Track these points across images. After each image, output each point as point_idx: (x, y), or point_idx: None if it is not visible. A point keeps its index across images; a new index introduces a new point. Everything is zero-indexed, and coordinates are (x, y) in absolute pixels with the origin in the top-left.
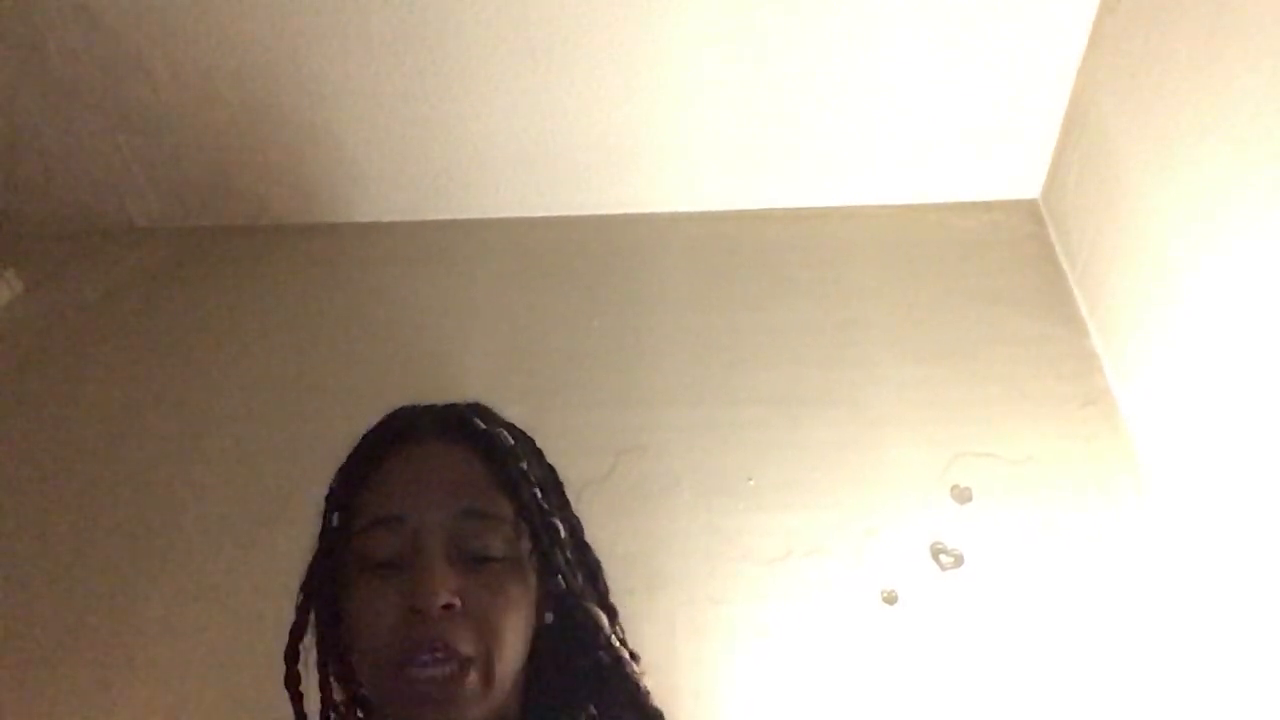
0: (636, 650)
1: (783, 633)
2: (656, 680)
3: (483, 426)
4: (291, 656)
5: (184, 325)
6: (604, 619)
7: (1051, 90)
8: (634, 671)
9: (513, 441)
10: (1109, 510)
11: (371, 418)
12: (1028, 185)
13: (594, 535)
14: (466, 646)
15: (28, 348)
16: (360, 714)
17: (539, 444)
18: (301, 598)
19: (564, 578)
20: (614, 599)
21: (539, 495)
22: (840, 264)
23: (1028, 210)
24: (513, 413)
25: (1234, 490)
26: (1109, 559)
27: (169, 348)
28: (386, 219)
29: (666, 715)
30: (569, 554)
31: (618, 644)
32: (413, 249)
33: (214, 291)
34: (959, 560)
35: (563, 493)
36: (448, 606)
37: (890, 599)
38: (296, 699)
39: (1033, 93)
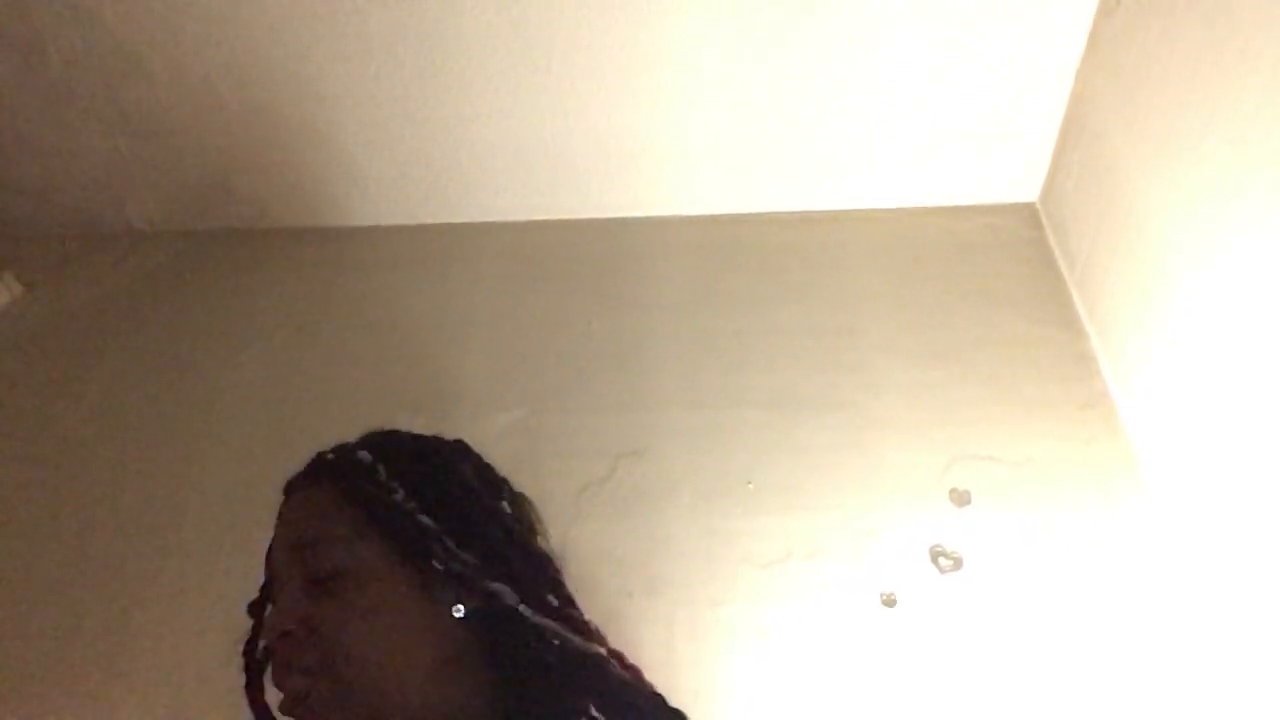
0: (627, 645)
1: (782, 635)
2: (656, 681)
3: (330, 457)
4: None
5: (184, 328)
6: (509, 594)
7: (1050, 93)
8: (550, 626)
9: (370, 459)
10: (1108, 513)
11: (368, 422)
12: (1026, 188)
13: (593, 538)
14: (310, 663)
15: (27, 350)
16: None
17: (538, 447)
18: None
19: (439, 561)
20: (613, 602)
21: (400, 498)
22: (839, 267)
23: (1026, 213)
24: (512, 417)
25: (1234, 492)
26: (1108, 562)
27: (169, 351)
28: (385, 223)
29: None
30: (446, 542)
31: (535, 615)
32: (411, 252)
33: (214, 294)
34: (958, 563)
35: (446, 498)
36: (285, 634)
37: (889, 601)
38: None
39: (1031, 96)
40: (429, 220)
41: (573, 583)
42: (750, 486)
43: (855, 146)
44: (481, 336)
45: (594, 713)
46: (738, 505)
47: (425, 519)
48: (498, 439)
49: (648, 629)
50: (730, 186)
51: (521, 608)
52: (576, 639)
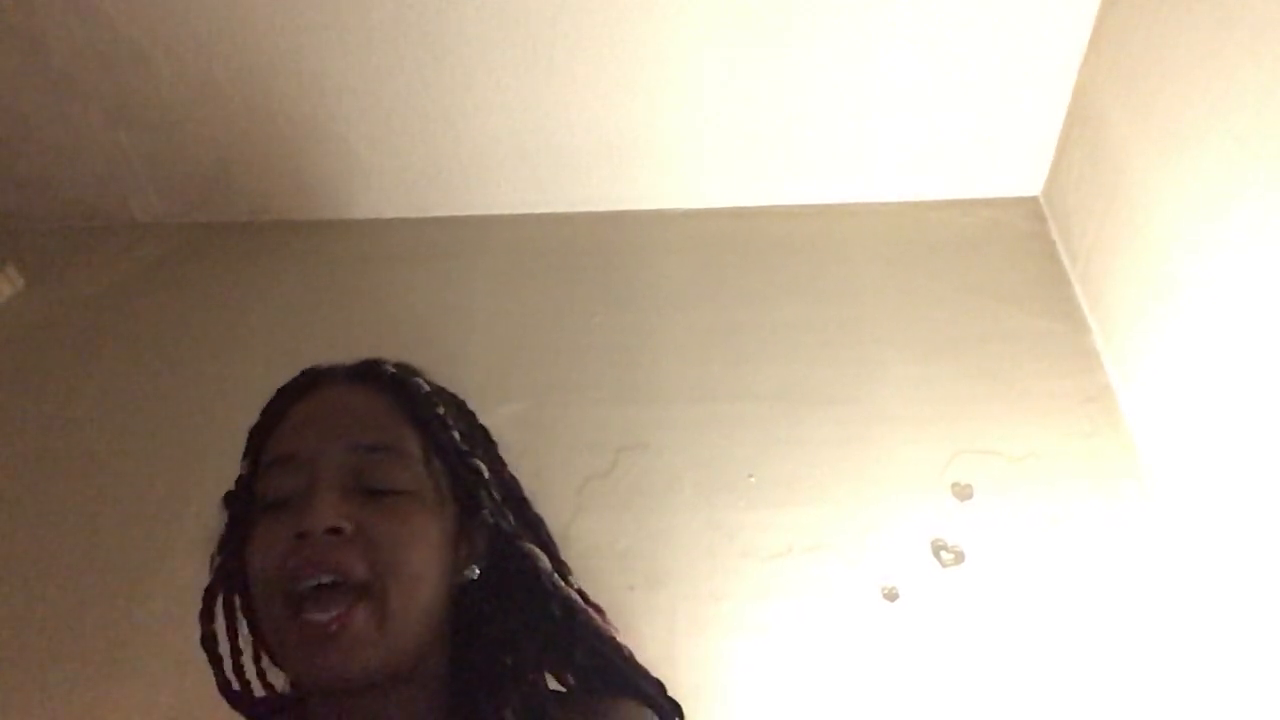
0: (599, 604)
1: (783, 629)
2: (657, 676)
3: (392, 370)
4: (206, 616)
5: (185, 321)
6: (544, 560)
7: (1053, 87)
8: (593, 620)
9: (428, 389)
10: (1110, 507)
11: None
12: (1029, 182)
13: (595, 532)
14: (358, 572)
15: (29, 343)
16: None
17: (539, 440)
18: (215, 553)
19: (490, 513)
20: (615, 595)
21: (457, 437)
22: (841, 261)
23: (1029, 207)
24: (513, 410)
25: (1235, 486)
26: (1110, 556)
27: (170, 343)
28: (388, 215)
29: None
30: (494, 493)
31: (565, 589)
32: (414, 245)
33: (215, 287)
34: (959, 557)
35: (495, 452)
36: (335, 531)
37: (891, 596)
38: (215, 661)
39: (1034, 89)
40: (431, 213)
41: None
42: (752, 480)
43: (858, 140)
44: (483, 329)
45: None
46: (740, 499)
47: (479, 463)
48: (499, 431)
49: (649, 622)
50: (733, 180)
51: (555, 578)
52: (597, 618)
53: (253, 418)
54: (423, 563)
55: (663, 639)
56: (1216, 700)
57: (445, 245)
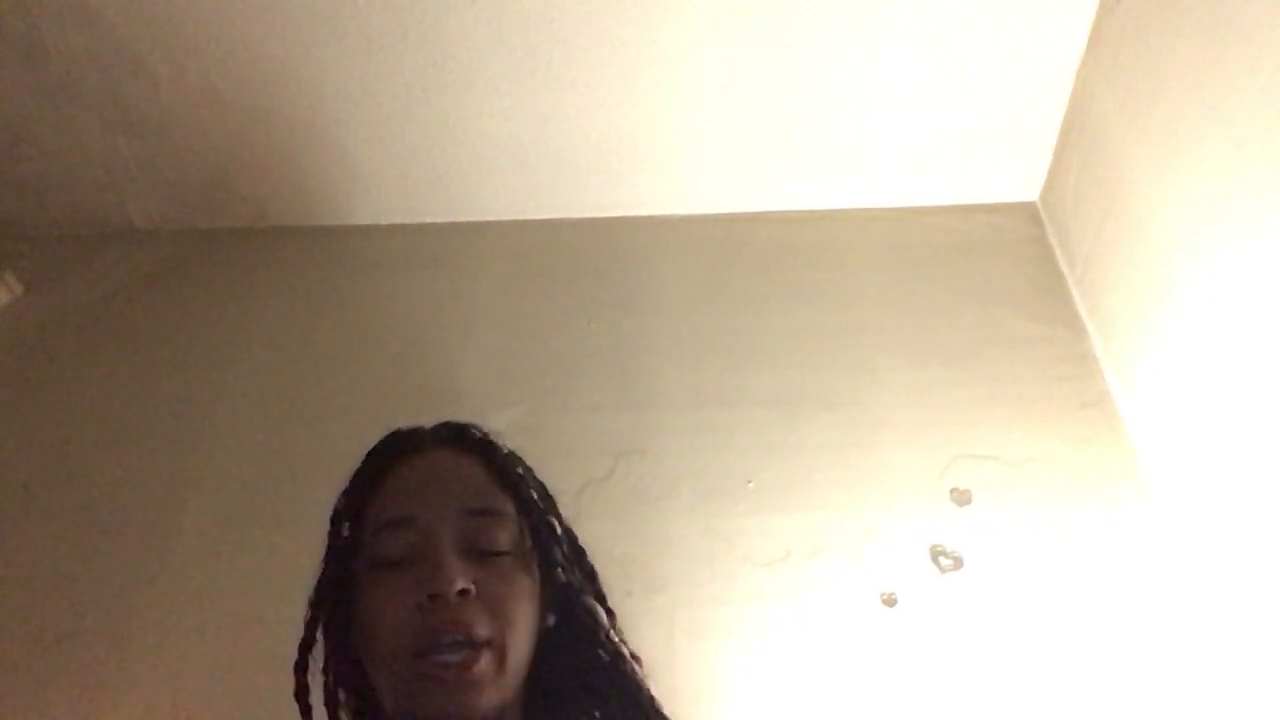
0: (636, 652)
1: (782, 634)
2: (656, 682)
3: (480, 435)
4: (301, 668)
5: (184, 327)
6: (603, 615)
7: (1050, 92)
8: (634, 670)
9: (508, 451)
10: (1108, 512)
11: (368, 421)
12: (1027, 187)
13: (593, 537)
14: (483, 630)
15: (27, 349)
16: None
17: (538, 446)
18: (309, 612)
19: (563, 571)
20: (613, 600)
21: (536, 496)
22: (840, 266)
23: (1027, 212)
24: (512, 415)
25: (1234, 491)
26: (1109, 561)
27: (169, 349)
28: (386, 221)
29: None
30: (565, 550)
31: (616, 640)
32: (412, 251)
33: (214, 293)
34: (958, 562)
35: (555, 504)
36: (464, 592)
37: (890, 601)
38: (305, 711)
39: (1032, 95)
40: (429, 219)
41: None
42: (751, 485)
43: (856, 145)
44: (481, 335)
45: None
46: (738, 504)
47: (554, 521)
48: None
49: (648, 628)
50: (731, 185)
51: (612, 633)
52: (639, 670)
53: (252, 420)
54: (527, 617)
55: (661, 644)
56: (1216, 703)
57: (444, 251)
